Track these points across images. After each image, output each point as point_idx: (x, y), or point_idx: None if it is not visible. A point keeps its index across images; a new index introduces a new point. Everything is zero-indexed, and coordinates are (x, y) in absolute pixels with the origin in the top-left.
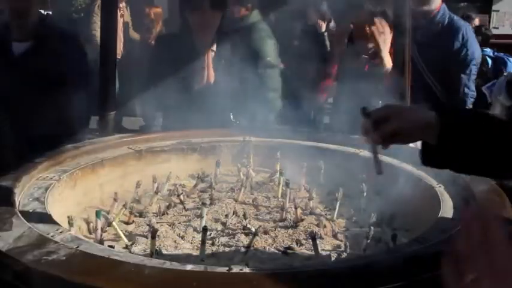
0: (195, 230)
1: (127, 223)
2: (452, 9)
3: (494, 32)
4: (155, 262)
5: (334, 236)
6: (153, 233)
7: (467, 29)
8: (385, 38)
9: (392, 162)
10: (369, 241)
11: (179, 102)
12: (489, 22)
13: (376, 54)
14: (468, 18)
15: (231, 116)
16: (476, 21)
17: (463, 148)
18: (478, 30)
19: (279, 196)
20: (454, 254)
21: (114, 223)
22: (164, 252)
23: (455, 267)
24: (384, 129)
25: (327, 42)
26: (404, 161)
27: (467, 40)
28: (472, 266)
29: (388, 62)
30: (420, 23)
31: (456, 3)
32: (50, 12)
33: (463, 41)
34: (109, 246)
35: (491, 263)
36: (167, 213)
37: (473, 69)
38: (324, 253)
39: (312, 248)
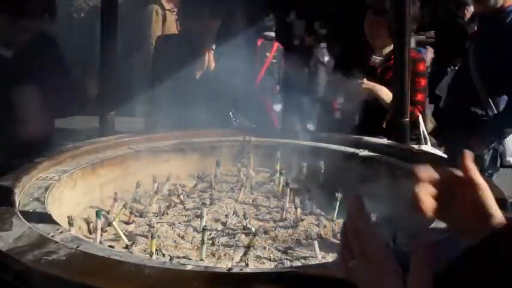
0: (195, 230)
1: (127, 223)
2: None
3: None
4: (155, 262)
5: (334, 236)
6: (153, 233)
7: None
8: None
9: (393, 161)
10: None
11: (179, 99)
12: None
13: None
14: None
15: (231, 115)
16: (472, 8)
17: None
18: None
19: (279, 196)
20: (341, 245)
21: (114, 223)
22: (164, 252)
23: (343, 255)
24: None
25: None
26: (405, 161)
27: None
28: (350, 251)
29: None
30: (486, 19)
31: None
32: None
33: None
34: (109, 246)
35: (361, 247)
36: (167, 213)
37: None
38: (324, 253)
39: (312, 248)
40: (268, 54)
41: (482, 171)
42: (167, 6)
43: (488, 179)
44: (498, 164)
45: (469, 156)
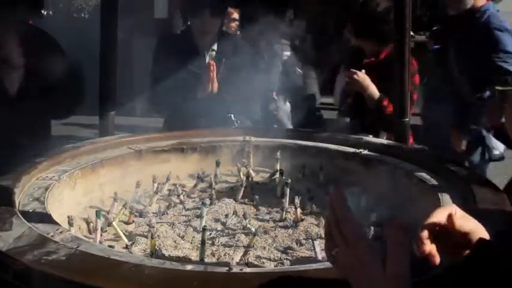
0: (195, 230)
1: (127, 223)
2: None
3: None
4: (155, 262)
5: None
6: (153, 233)
7: (506, 40)
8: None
9: (393, 161)
10: None
11: (180, 109)
12: None
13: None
14: None
15: (232, 116)
16: None
17: None
18: None
19: (279, 196)
20: (325, 235)
21: (114, 223)
22: (164, 252)
23: (327, 245)
24: None
25: None
26: (405, 161)
27: (503, 52)
28: (333, 237)
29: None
30: (461, 18)
31: None
32: (51, 12)
33: (498, 52)
34: (109, 246)
35: (341, 233)
36: (167, 213)
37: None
38: (323, 253)
39: (312, 248)
40: None
41: (472, 167)
42: None
43: (485, 179)
44: (487, 158)
45: (444, 210)
